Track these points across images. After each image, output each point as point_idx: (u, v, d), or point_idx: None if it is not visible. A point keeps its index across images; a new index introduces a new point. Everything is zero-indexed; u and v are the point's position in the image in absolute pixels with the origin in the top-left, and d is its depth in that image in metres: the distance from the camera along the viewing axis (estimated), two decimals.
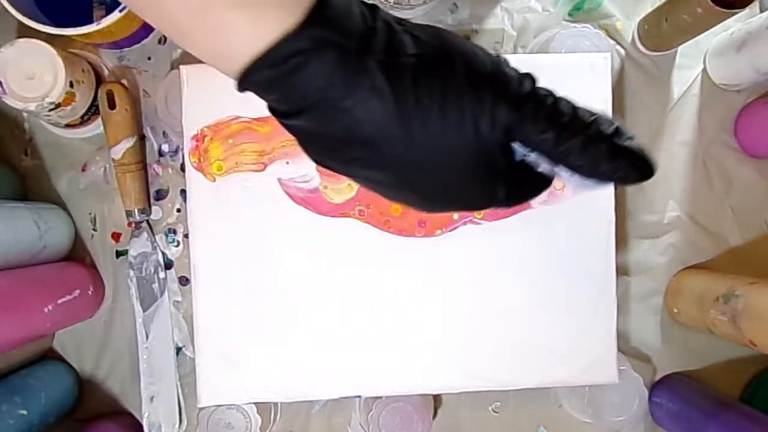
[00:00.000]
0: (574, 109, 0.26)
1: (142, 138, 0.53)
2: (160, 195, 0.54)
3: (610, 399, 0.51)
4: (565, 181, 0.28)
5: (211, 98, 0.45)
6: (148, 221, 0.53)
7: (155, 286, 0.53)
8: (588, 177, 0.27)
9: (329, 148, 0.26)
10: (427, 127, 0.25)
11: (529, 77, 0.27)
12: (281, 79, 0.24)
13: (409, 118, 0.25)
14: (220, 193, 0.46)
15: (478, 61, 0.26)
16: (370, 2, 0.25)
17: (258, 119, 0.46)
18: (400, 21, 0.26)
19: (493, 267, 0.47)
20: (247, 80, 0.24)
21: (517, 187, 0.29)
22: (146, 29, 0.52)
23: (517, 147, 0.28)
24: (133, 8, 0.25)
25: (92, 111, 0.51)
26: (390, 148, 0.25)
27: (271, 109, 0.26)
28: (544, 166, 0.28)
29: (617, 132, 0.26)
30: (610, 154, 0.26)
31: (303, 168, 0.46)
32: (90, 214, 0.54)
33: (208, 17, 0.23)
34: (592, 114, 0.27)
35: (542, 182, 0.29)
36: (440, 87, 0.25)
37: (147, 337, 0.52)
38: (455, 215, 0.47)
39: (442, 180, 0.27)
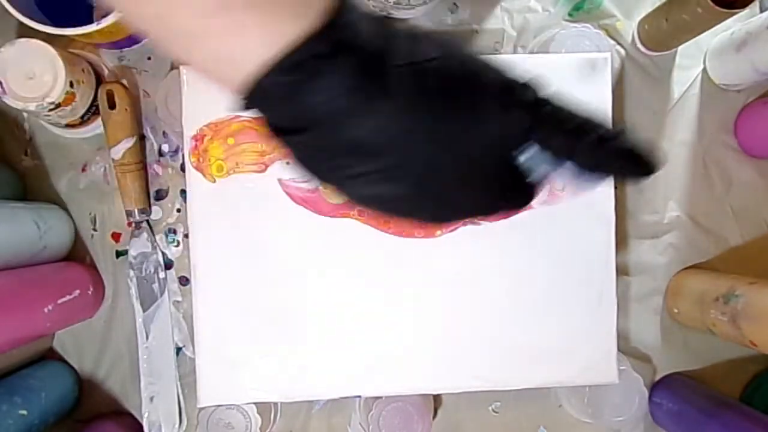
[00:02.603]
0: (581, 112, 0.27)
1: (142, 138, 0.53)
2: (160, 195, 0.54)
3: (610, 399, 0.51)
4: (563, 182, 0.29)
5: (211, 98, 0.45)
6: (148, 221, 0.53)
7: (155, 286, 0.53)
8: (598, 175, 0.28)
9: (335, 164, 0.25)
10: (451, 138, 0.24)
11: (537, 83, 0.27)
12: (294, 86, 0.22)
13: (432, 129, 0.24)
14: (220, 193, 0.46)
15: (492, 69, 0.26)
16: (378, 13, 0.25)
17: (258, 119, 0.46)
18: (413, 30, 0.25)
19: (493, 267, 0.47)
20: (256, 89, 0.23)
21: (514, 195, 0.29)
22: None
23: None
24: (129, 13, 0.23)
25: (92, 111, 0.51)
26: (401, 161, 0.24)
27: (269, 124, 0.25)
28: (536, 173, 0.29)
29: (622, 132, 0.27)
30: (618, 153, 0.27)
31: None
32: (90, 214, 0.54)
33: (224, 18, 0.21)
34: (596, 117, 0.27)
35: (533, 190, 0.30)
36: (466, 95, 0.24)
37: (147, 337, 0.52)
38: None
39: (457, 189, 0.26)
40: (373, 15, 0.24)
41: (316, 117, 0.23)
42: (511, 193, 0.28)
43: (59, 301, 0.47)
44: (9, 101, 0.45)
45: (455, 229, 0.47)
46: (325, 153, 0.24)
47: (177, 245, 0.54)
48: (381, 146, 0.24)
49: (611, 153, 0.27)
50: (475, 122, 0.25)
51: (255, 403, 0.49)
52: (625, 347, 0.55)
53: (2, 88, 0.45)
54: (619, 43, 0.55)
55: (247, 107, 0.24)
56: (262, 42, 0.22)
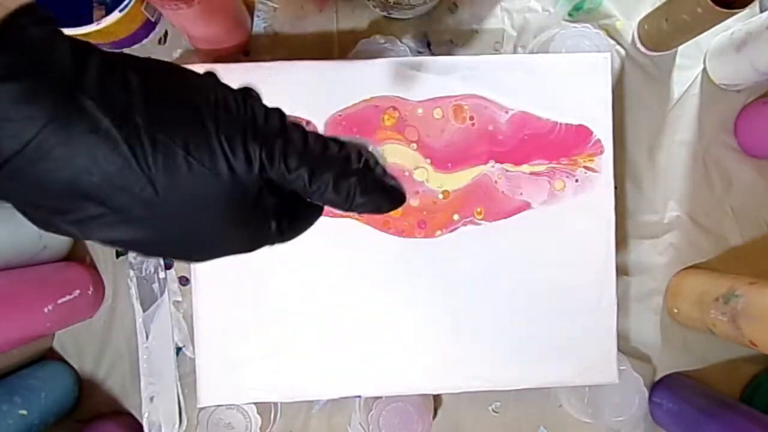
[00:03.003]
0: (325, 143, 0.25)
1: None
2: None
3: (610, 399, 0.51)
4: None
5: None
6: None
7: (155, 286, 0.53)
8: (343, 210, 0.26)
9: (54, 209, 0.21)
10: (174, 172, 0.21)
11: (278, 111, 0.24)
12: None
13: (150, 163, 0.21)
14: None
15: (221, 95, 0.23)
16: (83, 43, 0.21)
17: None
18: (123, 56, 0.22)
19: (492, 267, 0.47)
20: None
21: (292, 220, 0.27)
22: (146, 29, 0.52)
23: None
24: None
25: None
26: (131, 201, 0.21)
27: None
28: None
29: (367, 165, 0.26)
30: (362, 189, 0.26)
31: None
32: None
33: None
34: (343, 146, 0.26)
35: (315, 209, 0.28)
36: (181, 125, 0.21)
37: (147, 337, 0.53)
38: (455, 216, 0.47)
39: (204, 228, 0.24)
40: (73, 40, 0.21)
41: (6, 155, 0.19)
42: (279, 222, 0.26)
43: (59, 301, 0.47)
44: None
45: (455, 229, 0.47)
46: (39, 197, 0.21)
47: None
48: (97, 188, 0.21)
49: (358, 188, 0.25)
50: (210, 157, 0.22)
51: (255, 403, 0.49)
52: (625, 347, 0.55)
53: None
54: (619, 43, 0.55)
55: None
56: None
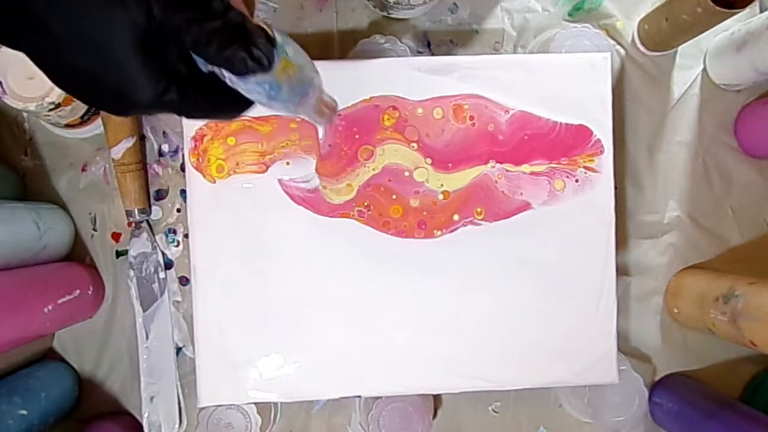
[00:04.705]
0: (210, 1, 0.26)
1: (142, 138, 0.53)
2: (160, 195, 0.54)
3: (610, 399, 0.51)
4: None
5: None
6: (148, 221, 0.53)
7: (155, 286, 0.53)
8: (212, 62, 0.27)
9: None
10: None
11: None
12: None
13: None
14: (220, 192, 0.46)
15: None
16: None
17: (258, 118, 0.46)
18: None
19: (492, 267, 0.47)
20: None
21: (195, 95, 0.28)
22: None
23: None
24: None
25: (92, 111, 0.51)
26: (42, 18, 0.24)
27: None
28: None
29: (245, 24, 0.27)
30: (231, 39, 0.26)
31: (303, 168, 0.46)
32: (90, 214, 0.54)
33: None
34: (230, 6, 0.27)
35: (223, 95, 0.29)
36: None
37: (147, 337, 0.53)
38: (455, 216, 0.47)
39: (100, 65, 0.25)
40: None
41: None
42: (180, 91, 0.27)
43: (59, 301, 0.47)
44: (9, 101, 0.45)
45: (455, 229, 0.47)
46: None
47: (177, 245, 0.54)
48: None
49: (225, 38, 0.26)
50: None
51: (255, 403, 0.49)
52: (625, 347, 0.55)
53: (2, 88, 0.45)
54: (619, 43, 0.55)
55: None
56: None
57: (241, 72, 0.27)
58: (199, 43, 0.26)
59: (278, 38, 0.28)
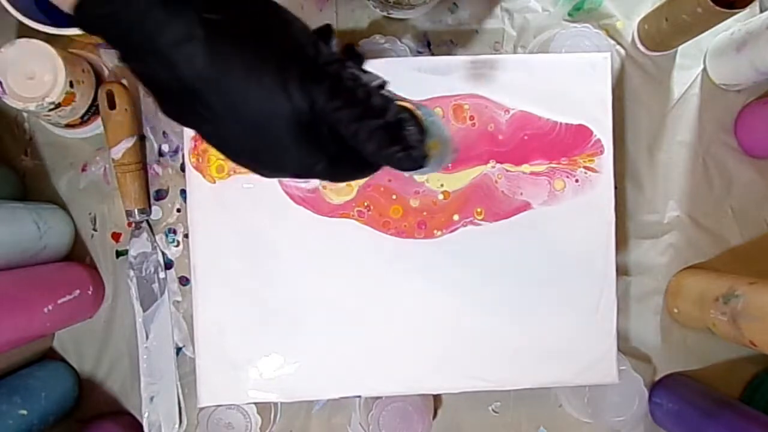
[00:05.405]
0: (369, 94, 0.28)
1: (142, 138, 0.53)
2: (160, 195, 0.54)
3: (610, 399, 0.51)
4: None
5: None
6: (148, 221, 0.53)
7: (155, 286, 0.53)
8: (371, 158, 0.29)
9: (171, 101, 0.27)
10: (240, 82, 0.26)
11: (339, 59, 0.29)
12: (110, 13, 0.24)
13: (223, 70, 0.25)
14: (220, 193, 0.46)
15: (293, 30, 0.28)
16: None
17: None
18: None
19: (492, 268, 0.47)
20: (81, 14, 0.25)
21: (338, 165, 0.30)
22: None
23: None
24: None
25: (92, 111, 0.51)
26: (210, 99, 0.26)
27: (118, 56, 0.27)
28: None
29: (401, 121, 0.29)
30: (390, 140, 0.29)
31: None
32: (90, 214, 0.54)
33: None
34: (389, 101, 0.29)
35: (365, 166, 0.31)
36: (253, 47, 0.26)
37: (147, 337, 0.53)
38: (455, 216, 0.47)
39: (261, 141, 0.28)
40: None
41: (132, 43, 0.25)
42: (329, 162, 0.29)
43: (59, 301, 0.47)
44: (9, 101, 0.45)
45: (455, 230, 0.47)
46: (160, 87, 0.27)
47: (177, 245, 0.54)
48: (191, 83, 0.26)
49: (387, 140, 0.28)
50: (271, 79, 0.26)
51: (255, 403, 0.49)
52: (625, 347, 0.55)
53: (2, 88, 0.45)
54: (619, 43, 0.55)
55: (80, 25, 0.26)
56: None
57: (398, 169, 0.30)
58: (359, 139, 0.28)
59: (426, 120, 0.31)
